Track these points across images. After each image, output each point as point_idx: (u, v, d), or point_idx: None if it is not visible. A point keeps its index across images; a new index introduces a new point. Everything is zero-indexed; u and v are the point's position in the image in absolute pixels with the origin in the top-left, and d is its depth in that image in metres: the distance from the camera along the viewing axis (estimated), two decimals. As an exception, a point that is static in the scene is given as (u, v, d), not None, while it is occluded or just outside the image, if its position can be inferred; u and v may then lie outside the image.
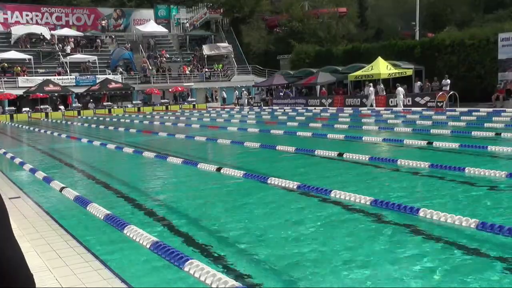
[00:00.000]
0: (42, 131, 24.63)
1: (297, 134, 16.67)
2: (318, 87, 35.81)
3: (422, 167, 9.34)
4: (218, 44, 50.91)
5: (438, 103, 26.19)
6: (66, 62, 44.21)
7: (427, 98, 27.45)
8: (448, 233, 5.56)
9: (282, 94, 39.24)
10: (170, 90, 44.66)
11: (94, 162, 13.63)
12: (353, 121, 21.93)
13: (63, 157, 14.72)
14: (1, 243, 1.19)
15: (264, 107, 37.18)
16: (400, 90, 28.07)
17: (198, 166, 10.58)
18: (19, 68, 41.90)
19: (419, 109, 25.75)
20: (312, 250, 5.24)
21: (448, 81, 27.80)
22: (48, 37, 46.73)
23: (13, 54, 42.39)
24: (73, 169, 12.46)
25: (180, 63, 48.81)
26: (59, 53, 45.26)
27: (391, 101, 29.32)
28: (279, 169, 10.53)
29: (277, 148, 13.00)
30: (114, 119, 31.05)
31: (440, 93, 26.75)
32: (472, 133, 14.35)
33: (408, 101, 28.44)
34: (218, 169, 9.93)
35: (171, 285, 4.45)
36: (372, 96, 29.16)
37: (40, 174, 10.14)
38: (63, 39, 47.66)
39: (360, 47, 37.71)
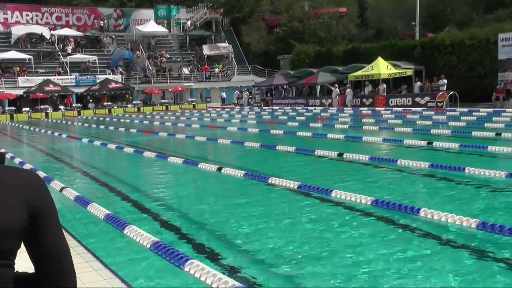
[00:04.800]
0: (42, 131, 24.63)
1: (297, 134, 16.67)
2: (318, 87, 35.83)
3: (422, 167, 9.34)
4: (218, 44, 50.90)
5: (438, 103, 26.19)
6: (66, 62, 44.19)
7: (427, 98, 27.46)
8: (448, 233, 5.56)
9: (283, 92, 39.34)
10: (170, 90, 44.67)
11: (94, 162, 13.64)
12: (353, 121, 21.95)
13: (63, 157, 14.72)
14: (57, 240, 1.36)
15: (264, 107, 37.18)
16: (349, 91, 31.08)
17: (199, 166, 10.58)
18: (19, 68, 41.90)
19: (419, 109, 25.75)
20: (313, 250, 5.24)
21: (445, 81, 27.80)
22: (48, 37, 46.72)
23: (13, 54, 42.35)
24: (73, 169, 12.45)
25: (180, 63, 48.82)
26: (59, 53, 45.25)
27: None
28: (279, 169, 10.52)
29: (277, 148, 13.00)
30: (114, 119, 31.05)
31: (440, 93, 26.75)
32: (472, 133, 14.34)
33: (408, 101, 28.49)
34: (219, 169, 9.93)
35: (171, 285, 4.44)
36: (337, 97, 31.77)
37: (40, 174, 10.13)
38: (63, 39, 47.65)
39: (360, 47, 37.68)
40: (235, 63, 49.49)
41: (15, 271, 1.37)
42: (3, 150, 14.39)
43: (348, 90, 31.56)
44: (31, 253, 1.37)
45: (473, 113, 21.27)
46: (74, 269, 1.42)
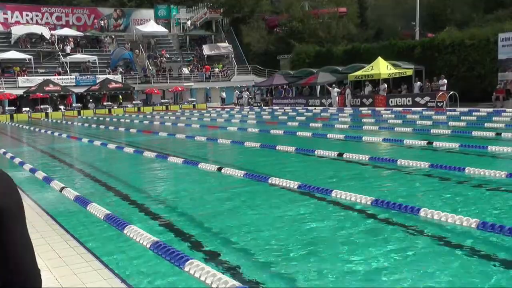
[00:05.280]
0: (42, 131, 24.63)
1: (297, 134, 16.67)
2: (318, 87, 35.84)
3: (422, 167, 9.34)
4: (218, 44, 50.90)
5: (438, 103, 26.19)
6: (66, 62, 44.18)
7: (427, 98, 27.46)
8: (448, 233, 5.56)
9: (283, 92, 39.41)
10: (170, 90, 44.69)
11: (94, 162, 13.63)
12: (353, 121, 21.95)
13: (63, 157, 14.72)
14: (18, 240, 1.35)
15: (264, 107, 37.18)
16: (348, 91, 31.74)
17: (199, 166, 10.58)
18: (19, 68, 41.90)
19: (419, 109, 25.75)
20: (313, 250, 5.24)
21: (445, 81, 27.81)
22: (48, 37, 46.72)
23: (13, 54, 42.34)
24: (73, 169, 12.46)
25: (180, 63, 48.83)
26: (59, 53, 45.24)
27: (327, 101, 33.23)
28: (279, 169, 10.52)
29: (277, 148, 13.00)
30: (114, 119, 31.05)
31: (440, 93, 26.76)
32: (472, 133, 14.35)
33: (408, 101, 28.50)
34: (219, 169, 9.93)
35: (171, 285, 4.44)
36: (337, 98, 32.11)
37: (40, 174, 10.13)
38: (63, 39, 47.65)
39: (360, 47, 37.68)
40: (235, 63, 49.49)
41: None
42: None
43: (335, 89, 31.96)
44: None
45: (473, 113, 21.27)
46: (38, 270, 1.41)
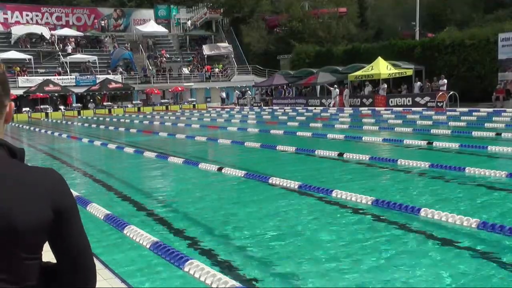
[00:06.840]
0: (42, 131, 24.62)
1: (297, 134, 16.67)
2: (318, 87, 35.84)
3: (422, 167, 9.34)
4: (218, 44, 50.89)
5: (438, 103, 26.19)
6: (66, 62, 44.16)
7: (427, 98, 27.45)
8: (449, 233, 5.56)
9: (283, 92, 39.45)
10: (170, 90, 44.69)
11: (94, 162, 13.63)
12: (353, 121, 21.94)
13: (63, 157, 14.72)
14: (79, 234, 1.43)
15: (264, 107, 37.18)
16: (346, 91, 32.06)
17: (199, 166, 10.58)
18: (19, 68, 41.89)
19: (419, 109, 25.75)
20: (313, 250, 5.24)
21: (445, 81, 27.81)
22: (48, 37, 46.71)
23: (13, 54, 42.32)
24: (73, 169, 12.45)
25: (180, 63, 48.84)
26: (59, 53, 45.24)
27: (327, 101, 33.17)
28: (279, 169, 10.52)
29: (277, 148, 13.01)
30: (114, 119, 31.04)
31: (440, 93, 26.76)
32: (472, 133, 14.35)
33: (408, 101, 28.50)
34: (219, 169, 9.93)
35: (171, 285, 4.44)
36: (337, 98, 32.10)
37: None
38: (63, 39, 47.64)
39: (360, 47, 37.67)
40: (235, 63, 49.48)
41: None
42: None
43: (345, 90, 32.07)
44: (54, 247, 1.43)
45: (473, 113, 21.26)
46: (94, 262, 1.49)
